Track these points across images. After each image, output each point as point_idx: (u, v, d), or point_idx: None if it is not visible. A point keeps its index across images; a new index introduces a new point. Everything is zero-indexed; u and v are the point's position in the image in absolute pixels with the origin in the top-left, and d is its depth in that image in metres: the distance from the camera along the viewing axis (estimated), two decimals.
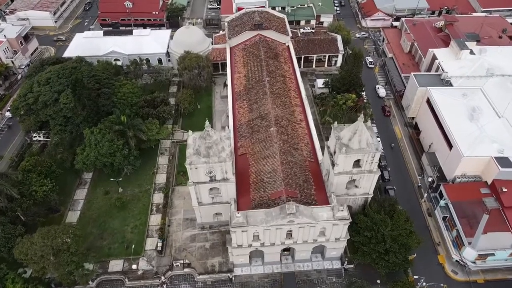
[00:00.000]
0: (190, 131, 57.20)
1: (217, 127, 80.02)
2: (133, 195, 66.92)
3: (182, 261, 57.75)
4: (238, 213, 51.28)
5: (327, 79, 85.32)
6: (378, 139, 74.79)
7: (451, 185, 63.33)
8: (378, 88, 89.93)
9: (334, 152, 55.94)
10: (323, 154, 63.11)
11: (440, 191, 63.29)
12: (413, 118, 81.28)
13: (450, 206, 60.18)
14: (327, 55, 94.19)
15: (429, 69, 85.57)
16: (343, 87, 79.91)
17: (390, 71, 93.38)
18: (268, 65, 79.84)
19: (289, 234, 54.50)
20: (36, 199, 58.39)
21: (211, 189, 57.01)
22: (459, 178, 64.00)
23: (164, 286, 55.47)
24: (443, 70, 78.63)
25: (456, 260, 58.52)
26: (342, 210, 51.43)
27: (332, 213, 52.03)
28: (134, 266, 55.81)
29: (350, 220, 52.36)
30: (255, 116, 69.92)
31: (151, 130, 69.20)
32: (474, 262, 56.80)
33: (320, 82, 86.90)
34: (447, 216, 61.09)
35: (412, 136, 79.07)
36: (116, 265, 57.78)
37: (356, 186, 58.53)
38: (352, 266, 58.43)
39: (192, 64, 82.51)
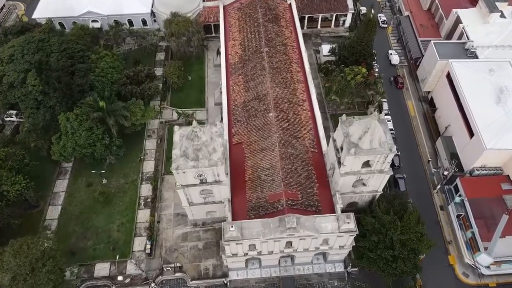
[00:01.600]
0: (176, 127, 49.53)
1: (210, 103, 71.95)
2: (118, 186, 61.08)
3: (173, 265, 53.61)
4: (232, 226, 45.70)
5: (333, 46, 75.05)
6: (392, 132, 67.25)
7: (468, 179, 57.08)
8: (390, 54, 79.82)
9: (341, 149, 49.07)
10: (327, 144, 56.22)
11: (456, 184, 57.32)
12: (429, 92, 72.72)
13: (467, 203, 54.52)
14: (334, 14, 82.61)
15: (450, 34, 74.90)
16: (352, 56, 70.21)
17: (405, 33, 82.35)
18: (267, 31, 69.42)
19: (289, 243, 49.61)
20: (8, 199, 52.62)
21: (202, 189, 51.04)
22: (478, 170, 57.69)
23: None
24: (468, 38, 68.35)
25: (468, 263, 54.45)
26: (348, 223, 45.81)
27: (337, 224, 46.49)
28: (120, 278, 51.56)
29: (357, 232, 47.04)
30: (252, 97, 61.65)
31: (135, 113, 61.26)
32: (488, 267, 52.63)
33: (325, 49, 76.69)
34: (461, 214, 55.81)
35: (426, 113, 71.13)
36: (102, 269, 53.66)
37: (364, 184, 52.44)
38: (356, 269, 54.41)
39: (180, 30, 71.97)
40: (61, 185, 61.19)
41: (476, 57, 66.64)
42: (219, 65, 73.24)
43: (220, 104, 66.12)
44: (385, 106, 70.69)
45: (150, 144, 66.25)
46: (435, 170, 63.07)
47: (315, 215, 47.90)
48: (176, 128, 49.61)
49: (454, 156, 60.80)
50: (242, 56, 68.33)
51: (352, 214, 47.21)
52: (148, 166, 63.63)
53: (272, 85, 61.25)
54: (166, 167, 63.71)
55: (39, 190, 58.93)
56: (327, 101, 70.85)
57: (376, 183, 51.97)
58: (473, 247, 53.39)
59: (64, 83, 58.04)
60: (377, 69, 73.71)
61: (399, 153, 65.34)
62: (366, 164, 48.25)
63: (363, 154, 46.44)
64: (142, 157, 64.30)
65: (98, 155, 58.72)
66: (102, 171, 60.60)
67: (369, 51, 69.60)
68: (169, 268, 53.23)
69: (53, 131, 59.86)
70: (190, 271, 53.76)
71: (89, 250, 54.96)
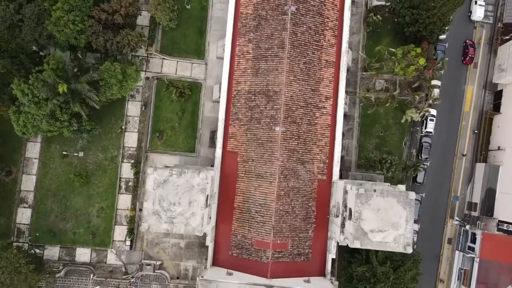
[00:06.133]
0: (149, 169, 39.26)
1: (211, 53, 55.15)
2: (96, 163, 53.84)
3: (154, 262, 52.99)
4: (202, 276, 42.23)
5: None
6: (430, 134, 53.23)
7: (491, 237, 48.97)
8: (475, 1, 55.25)
9: (349, 215, 40.57)
10: (340, 175, 46.34)
11: (475, 234, 49.67)
12: (500, 91, 53.85)
13: (476, 264, 48.74)
14: None
15: None
16: (412, 25, 48.91)
17: None
18: None
19: None
20: None
21: None
22: (509, 227, 48.85)
23: (133, 287, 53.26)
24: None
25: None
26: None
27: None
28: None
29: None
30: (259, 88, 46.75)
31: (110, 88, 47.79)
32: None
33: None
34: (465, 269, 50.64)
35: (484, 113, 54.96)
36: (83, 254, 53.39)
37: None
38: None
39: None
40: (33, 150, 53.96)
41: None
42: None
43: (222, 58, 50.83)
44: (436, 92, 53.83)
45: (133, 109, 54.60)
46: (461, 195, 53.74)
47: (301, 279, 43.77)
48: (149, 170, 39.53)
49: (490, 194, 50.54)
50: (258, 7, 47.92)
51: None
52: (130, 140, 54.38)
53: (288, 78, 45.48)
54: (151, 143, 54.73)
55: (9, 154, 52.81)
56: (360, 100, 53.13)
57: None
58: None
59: (7, 42, 42.89)
60: (442, 50, 52.66)
61: (427, 165, 54.25)
62: None
63: (371, 247, 38.56)
64: (123, 127, 54.25)
65: (67, 137, 49.46)
66: (76, 154, 52.47)
67: (439, 24, 48.03)
68: (149, 267, 52.84)
69: (10, 92, 48.20)
70: (170, 269, 53.66)
71: (69, 233, 53.30)
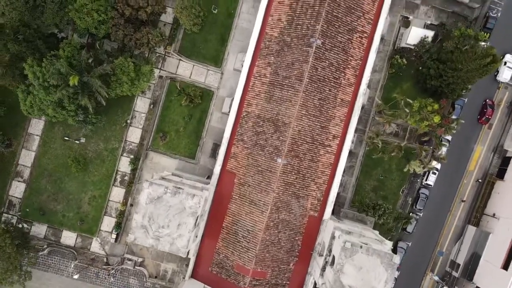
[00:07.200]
0: (144, 182, 39.40)
1: (229, 64, 54.27)
2: (96, 151, 53.98)
3: (136, 259, 53.95)
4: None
5: (425, 37, 50.07)
6: (428, 186, 53.23)
7: None
8: (505, 63, 53.74)
9: (332, 261, 41.08)
10: (332, 211, 46.63)
11: None
12: (509, 158, 53.20)
13: None
14: None
15: None
16: (435, 79, 47.96)
17: None
18: (336, 0, 44.57)
19: None
20: None
21: None
22: None
23: (112, 278, 54.36)
24: None
25: None
26: None
27: None
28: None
29: None
30: (269, 116, 46.26)
31: (120, 85, 47.33)
32: None
33: (414, 33, 51.07)
34: None
35: (488, 176, 54.52)
36: (69, 238, 54.37)
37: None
38: None
39: None
40: (37, 126, 54.00)
41: None
42: (259, 1, 51.25)
43: (239, 71, 50.33)
44: (443, 151, 52.90)
45: (141, 105, 54.30)
46: (446, 252, 54.10)
47: None
48: (145, 183, 39.69)
49: (474, 259, 50.89)
50: (284, 32, 46.76)
51: None
52: (134, 135, 54.33)
53: (300, 112, 44.93)
54: (153, 142, 54.65)
55: (12, 121, 53.01)
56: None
57: None
58: None
59: (27, 26, 42.20)
60: (460, 105, 51.73)
61: (420, 216, 54.38)
62: None
63: None
64: (128, 121, 54.05)
65: (72, 124, 49.45)
66: (77, 141, 52.50)
67: (462, 85, 47.07)
68: (131, 261, 53.88)
69: (22, 69, 47.61)
70: (150, 268, 54.71)
71: (58, 214, 54.07)
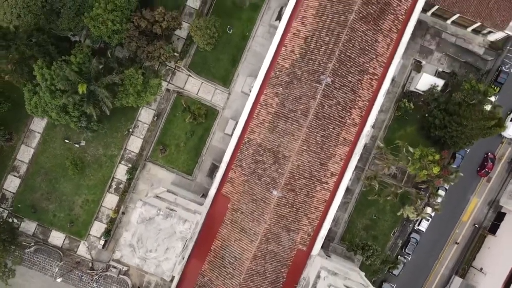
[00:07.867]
0: (138, 201, 39.47)
1: (237, 85, 54.26)
2: (95, 156, 54.02)
3: (121, 267, 54.01)
4: None
5: (435, 85, 50.15)
6: (420, 232, 53.15)
7: None
8: (511, 120, 53.78)
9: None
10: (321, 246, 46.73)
11: None
12: (503, 214, 53.20)
13: None
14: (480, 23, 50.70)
15: None
16: (440, 129, 48.06)
17: None
18: (350, 41, 44.54)
19: None
20: None
21: None
22: None
23: (95, 284, 54.42)
24: None
25: None
26: None
27: None
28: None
29: None
30: (271, 146, 46.26)
31: (127, 95, 47.38)
32: None
33: (424, 80, 51.15)
34: None
35: (481, 229, 54.48)
36: (57, 238, 54.41)
37: None
38: None
39: None
40: (38, 124, 53.99)
41: None
42: (275, 27, 51.37)
43: (247, 94, 50.47)
44: (439, 200, 53.05)
45: (145, 115, 54.31)
46: None
47: None
48: (139, 203, 39.78)
49: None
50: (296, 64, 46.78)
51: None
52: (134, 144, 54.36)
53: (301, 147, 44.93)
54: (152, 153, 54.68)
55: (14, 116, 53.10)
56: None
57: None
58: None
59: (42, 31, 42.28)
60: (461, 155, 51.78)
61: (407, 260, 54.43)
62: None
63: None
64: (130, 130, 54.06)
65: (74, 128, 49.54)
66: (77, 144, 52.55)
67: (465, 140, 47.11)
68: (116, 268, 53.94)
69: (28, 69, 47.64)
70: (134, 278, 54.77)
71: (49, 213, 54.14)
